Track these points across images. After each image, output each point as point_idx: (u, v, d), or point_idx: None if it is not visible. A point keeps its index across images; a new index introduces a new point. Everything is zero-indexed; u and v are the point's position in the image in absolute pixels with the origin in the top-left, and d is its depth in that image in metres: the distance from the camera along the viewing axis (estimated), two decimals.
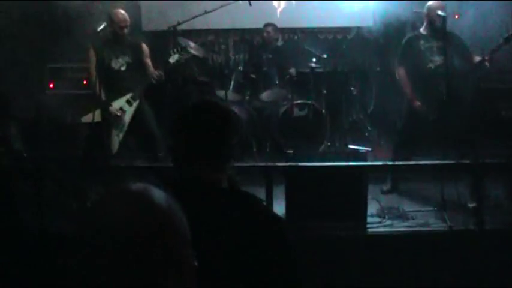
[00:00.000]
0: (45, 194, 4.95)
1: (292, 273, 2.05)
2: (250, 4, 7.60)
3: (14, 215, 4.56)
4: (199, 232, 1.35)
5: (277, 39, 8.41)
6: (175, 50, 6.54)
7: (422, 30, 6.42)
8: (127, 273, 1.19)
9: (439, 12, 6.12)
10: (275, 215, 2.26)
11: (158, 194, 1.29)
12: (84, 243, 1.21)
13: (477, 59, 6.17)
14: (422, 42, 6.30)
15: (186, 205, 1.30)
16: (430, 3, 6.32)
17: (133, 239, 1.20)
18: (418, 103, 6.22)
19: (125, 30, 6.38)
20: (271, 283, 1.99)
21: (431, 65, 6.21)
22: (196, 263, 1.29)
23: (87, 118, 6.31)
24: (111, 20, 6.28)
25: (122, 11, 6.38)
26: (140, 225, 1.22)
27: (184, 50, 6.61)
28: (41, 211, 4.83)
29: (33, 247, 4.25)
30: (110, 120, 6.33)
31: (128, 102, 6.39)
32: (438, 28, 6.17)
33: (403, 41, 6.47)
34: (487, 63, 6.07)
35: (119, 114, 6.33)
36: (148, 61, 6.54)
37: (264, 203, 2.29)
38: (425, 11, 6.36)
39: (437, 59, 6.18)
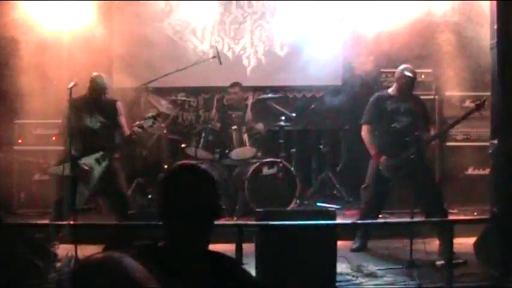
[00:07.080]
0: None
1: None
2: (220, 63, 7.72)
3: None
4: None
5: (244, 98, 8.48)
6: (150, 116, 6.52)
7: (390, 91, 6.57)
8: None
9: (407, 73, 6.32)
10: (256, 280, 2.28)
11: (131, 265, 1.31)
12: None
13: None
14: (389, 102, 6.46)
15: (166, 269, 1.32)
16: (401, 66, 6.51)
17: None
18: (383, 158, 6.34)
19: (103, 96, 6.44)
20: None
21: (396, 125, 6.35)
22: None
23: (56, 169, 6.25)
24: (91, 84, 6.33)
25: (101, 76, 6.43)
26: None
27: (157, 116, 6.63)
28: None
29: None
30: (78, 175, 6.27)
31: (97, 160, 6.35)
32: (406, 90, 6.37)
33: (370, 99, 6.62)
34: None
35: (86, 168, 6.27)
36: (123, 120, 6.55)
37: (244, 267, 2.31)
38: (396, 74, 6.53)
39: (403, 120, 6.35)
